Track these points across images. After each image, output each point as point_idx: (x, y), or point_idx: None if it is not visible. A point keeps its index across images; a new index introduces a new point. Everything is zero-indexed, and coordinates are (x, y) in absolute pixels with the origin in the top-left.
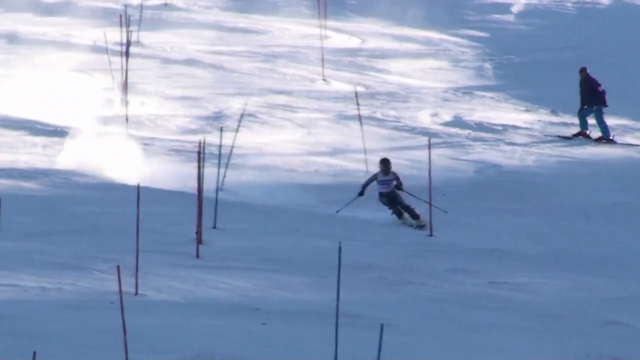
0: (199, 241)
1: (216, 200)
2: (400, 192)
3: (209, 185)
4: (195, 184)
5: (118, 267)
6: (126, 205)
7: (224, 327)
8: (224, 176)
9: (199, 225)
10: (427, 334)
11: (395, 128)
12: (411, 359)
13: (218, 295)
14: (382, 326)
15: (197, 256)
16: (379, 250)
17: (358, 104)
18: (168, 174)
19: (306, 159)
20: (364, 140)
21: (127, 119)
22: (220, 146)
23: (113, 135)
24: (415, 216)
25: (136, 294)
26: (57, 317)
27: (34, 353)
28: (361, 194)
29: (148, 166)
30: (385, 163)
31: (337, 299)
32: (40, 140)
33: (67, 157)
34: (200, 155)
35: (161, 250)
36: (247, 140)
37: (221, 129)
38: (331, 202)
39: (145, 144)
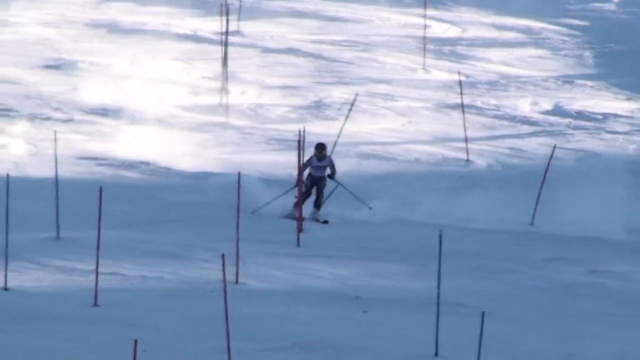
0: (300, 230)
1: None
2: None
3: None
4: (295, 172)
5: (223, 255)
6: (226, 193)
7: (325, 316)
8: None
9: (300, 213)
10: (528, 323)
11: (495, 116)
12: (512, 347)
13: (318, 284)
14: (483, 314)
15: (298, 245)
16: (479, 238)
17: (461, 92)
18: (268, 162)
19: (407, 147)
20: (465, 129)
21: (227, 108)
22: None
23: (213, 124)
24: (317, 205)
25: (237, 282)
26: (158, 305)
27: (136, 341)
28: (299, 181)
29: (248, 155)
30: (320, 148)
31: (438, 287)
32: (140, 129)
33: (167, 146)
34: (301, 144)
35: (262, 239)
36: (348, 129)
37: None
38: (431, 190)
39: (246, 133)
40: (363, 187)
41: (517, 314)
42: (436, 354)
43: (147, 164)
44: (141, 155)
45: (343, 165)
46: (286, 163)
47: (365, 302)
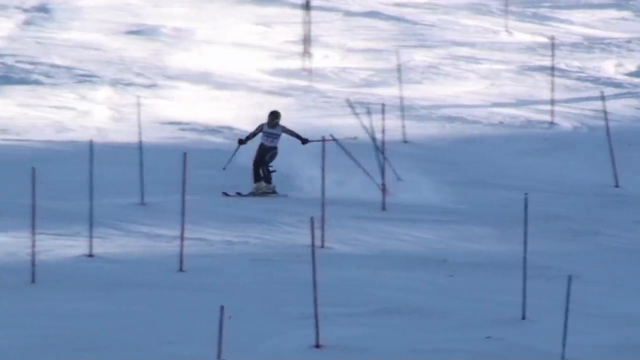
0: (385, 193)
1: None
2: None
3: (394, 137)
4: (378, 135)
5: (312, 219)
6: (307, 157)
7: (411, 280)
8: (403, 127)
9: (384, 177)
10: (615, 285)
11: (579, 79)
12: (600, 310)
13: (404, 248)
14: (569, 277)
15: (383, 208)
16: (565, 201)
17: (552, 54)
18: (351, 126)
19: (490, 110)
20: (550, 91)
21: (310, 72)
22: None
23: (296, 88)
24: (265, 179)
25: (322, 246)
26: (244, 270)
27: (222, 307)
28: (242, 142)
29: (331, 119)
30: (272, 116)
31: (524, 250)
32: (223, 94)
33: (250, 110)
34: (384, 107)
35: (347, 203)
36: (431, 92)
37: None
38: (515, 152)
39: (329, 97)
40: (446, 150)
41: (604, 276)
42: (523, 317)
43: (230, 128)
44: (224, 120)
45: (427, 128)
46: (369, 127)
47: (451, 265)
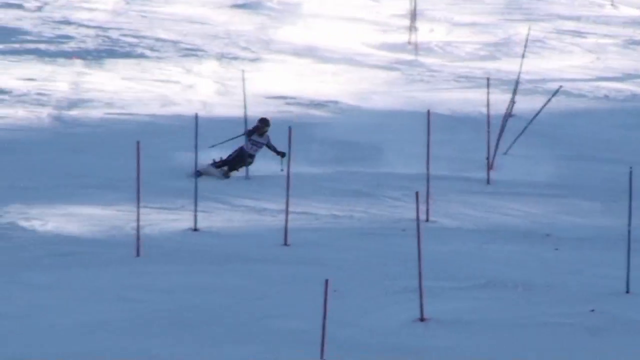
0: (490, 167)
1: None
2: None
3: (499, 111)
4: (484, 109)
5: (417, 193)
6: (415, 133)
7: (516, 253)
8: (513, 102)
9: (489, 151)
10: None
11: None
12: None
13: (509, 222)
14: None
15: (488, 182)
16: None
17: None
18: (458, 100)
19: (595, 84)
20: None
21: (416, 46)
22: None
23: (402, 62)
24: (228, 169)
25: (427, 220)
26: (349, 244)
27: (327, 281)
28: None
29: (438, 93)
30: (263, 123)
31: (629, 224)
32: (328, 68)
33: (356, 84)
34: (489, 82)
35: (452, 177)
36: (536, 66)
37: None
38: (620, 126)
39: (435, 71)
40: (551, 124)
41: None
42: (627, 291)
43: (335, 102)
44: (330, 93)
45: (532, 102)
46: (476, 101)
47: (556, 239)
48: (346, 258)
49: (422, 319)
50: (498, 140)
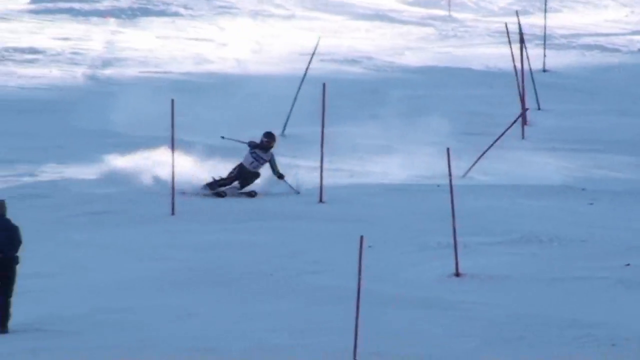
0: (524, 122)
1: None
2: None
3: (534, 66)
4: (518, 64)
5: (448, 149)
6: (447, 88)
7: (550, 208)
8: (544, 56)
9: (523, 106)
10: None
11: None
12: None
13: (544, 176)
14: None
15: (523, 137)
16: None
17: None
18: (492, 55)
19: (630, 38)
20: None
21: (449, 1)
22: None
23: (436, 17)
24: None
25: (463, 176)
26: (383, 200)
27: (361, 237)
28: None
29: (472, 48)
30: (269, 138)
31: None
32: (363, 24)
33: (389, 40)
34: (523, 36)
35: (487, 133)
36: (571, 20)
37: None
38: None
39: (468, 26)
40: (585, 78)
41: None
42: None
43: (369, 58)
44: (364, 50)
45: (566, 57)
46: (510, 56)
47: (591, 193)
48: (381, 214)
49: (457, 274)
50: (535, 95)
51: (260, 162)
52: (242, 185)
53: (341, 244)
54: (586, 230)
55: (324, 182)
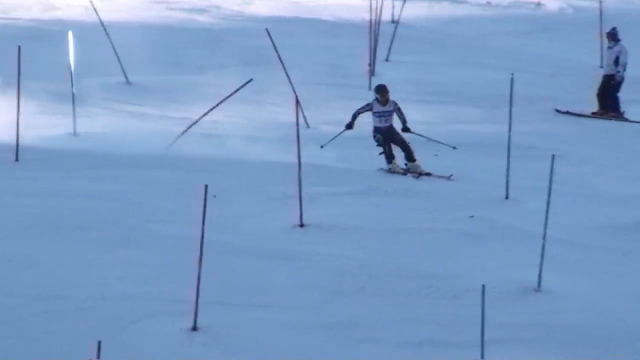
0: (371, 73)
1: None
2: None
3: (384, 17)
4: (366, 15)
5: (297, 98)
6: (298, 38)
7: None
8: (393, 7)
9: (371, 57)
10: (600, 165)
11: None
12: (584, 189)
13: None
14: (553, 157)
15: (370, 88)
16: (551, 82)
17: None
18: (340, 7)
19: None
20: None
21: None
22: None
23: None
24: (411, 157)
25: (308, 126)
26: (230, 150)
27: (206, 186)
28: (350, 126)
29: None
30: (382, 90)
31: (509, 130)
32: None
33: None
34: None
35: (333, 83)
36: None
37: None
38: (502, 33)
39: None
40: (434, 30)
41: (588, 156)
42: (507, 197)
43: (218, 7)
44: None
45: (414, 8)
46: (359, 7)
47: (436, 145)
48: (226, 163)
49: (301, 225)
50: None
51: (387, 116)
52: (404, 149)
53: (186, 194)
54: (431, 182)
55: (171, 130)
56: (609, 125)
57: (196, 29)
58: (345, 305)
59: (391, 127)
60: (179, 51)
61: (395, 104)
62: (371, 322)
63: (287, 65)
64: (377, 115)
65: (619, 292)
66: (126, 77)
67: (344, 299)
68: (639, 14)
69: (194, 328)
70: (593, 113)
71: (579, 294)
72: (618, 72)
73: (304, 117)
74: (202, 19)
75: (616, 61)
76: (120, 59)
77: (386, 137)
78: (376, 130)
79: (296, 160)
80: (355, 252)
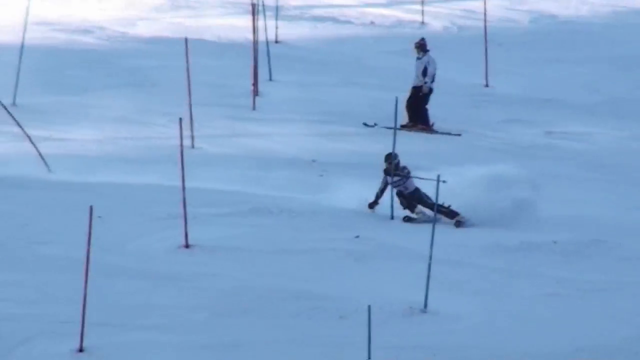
0: (255, 93)
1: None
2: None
3: (269, 37)
4: (250, 36)
5: (180, 119)
6: (181, 59)
7: (280, 179)
8: (277, 27)
9: (255, 77)
10: None
11: None
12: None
13: (275, 148)
14: (438, 177)
15: (254, 108)
16: (436, 101)
17: None
18: (224, 26)
19: (362, 10)
20: None
21: None
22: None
23: None
24: (451, 217)
25: (193, 147)
26: (113, 171)
27: (91, 207)
28: (373, 206)
29: (202, 20)
30: (386, 159)
31: (393, 148)
32: None
33: (122, 11)
34: (255, 7)
35: (217, 103)
36: None
37: None
38: (386, 53)
39: None
40: (318, 50)
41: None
42: (392, 218)
43: (102, 28)
44: (95, 20)
45: (297, 28)
46: (243, 27)
47: (321, 165)
48: (110, 184)
49: (186, 246)
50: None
51: (404, 181)
52: (441, 213)
53: (71, 215)
54: (317, 202)
55: (54, 152)
56: (497, 144)
57: (80, 50)
58: (230, 326)
59: (416, 191)
60: (63, 72)
61: (406, 167)
62: (256, 343)
63: (171, 86)
64: (393, 186)
65: (505, 312)
66: (14, 99)
67: (228, 319)
68: (522, 32)
69: (81, 349)
70: (402, 126)
71: (465, 314)
72: (426, 83)
73: (191, 136)
74: (86, 39)
75: (424, 72)
76: (5, 81)
77: (408, 200)
78: (399, 194)
79: (181, 182)
80: (240, 273)
